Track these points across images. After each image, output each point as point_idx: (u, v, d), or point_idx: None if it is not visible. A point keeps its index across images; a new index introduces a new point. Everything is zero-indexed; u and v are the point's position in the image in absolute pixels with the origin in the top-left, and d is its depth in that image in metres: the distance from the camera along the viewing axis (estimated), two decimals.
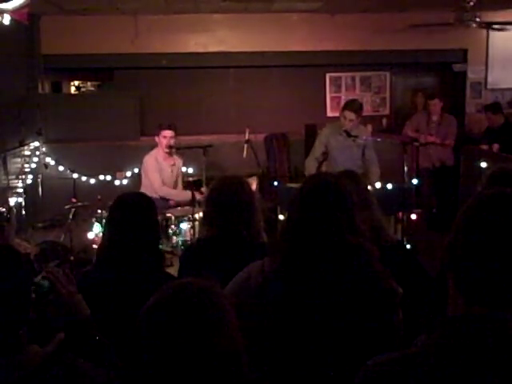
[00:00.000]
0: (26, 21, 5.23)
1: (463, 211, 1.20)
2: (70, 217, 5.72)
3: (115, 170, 7.51)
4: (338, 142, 5.47)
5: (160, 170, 5.69)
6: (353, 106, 5.41)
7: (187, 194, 5.46)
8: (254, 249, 2.55)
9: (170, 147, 5.68)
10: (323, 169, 5.59)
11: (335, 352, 1.72)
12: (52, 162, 7.49)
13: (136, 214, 2.43)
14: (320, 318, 1.72)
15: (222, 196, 2.66)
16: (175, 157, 5.86)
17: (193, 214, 4.79)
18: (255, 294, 1.85)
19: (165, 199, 5.61)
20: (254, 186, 5.65)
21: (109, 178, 7.40)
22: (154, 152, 5.77)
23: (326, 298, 1.73)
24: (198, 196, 5.09)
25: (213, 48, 8.19)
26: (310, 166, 5.55)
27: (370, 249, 1.82)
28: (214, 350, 1.23)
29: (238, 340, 1.30)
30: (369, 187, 2.81)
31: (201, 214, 4.81)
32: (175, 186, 5.88)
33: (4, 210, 5.02)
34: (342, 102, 8.99)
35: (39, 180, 7.55)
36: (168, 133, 5.68)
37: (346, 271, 1.76)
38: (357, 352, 1.65)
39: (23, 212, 6.64)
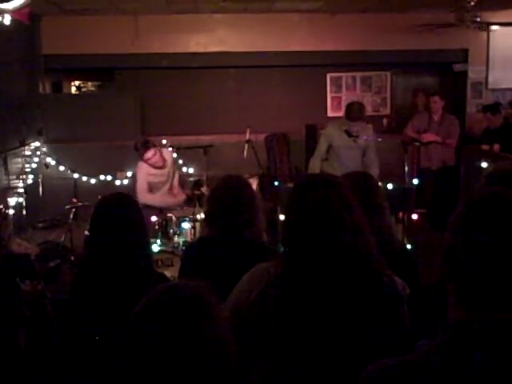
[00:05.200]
0: (27, 21, 5.24)
1: (458, 215, 1.18)
2: (71, 217, 5.72)
3: (116, 170, 7.50)
4: (342, 140, 5.46)
5: (151, 175, 5.47)
6: (354, 116, 5.31)
7: (174, 199, 5.43)
8: (254, 249, 2.54)
9: (171, 147, 5.66)
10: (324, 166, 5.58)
11: (339, 359, 1.71)
12: (53, 162, 7.49)
13: (119, 214, 2.41)
14: (324, 324, 1.71)
15: (223, 195, 2.64)
16: (164, 153, 5.57)
17: (194, 214, 4.78)
18: (259, 298, 1.84)
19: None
20: (254, 186, 5.63)
21: (109, 178, 7.40)
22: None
23: (329, 304, 1.72)
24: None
25: (213, 48, 8.19)
26: (315, 165, 5.53)
27: (370, 250, 1.80)
28: (203, 351, 1.23)
29: (229, 342, 1.30)
30: None
31: (202, 215, 4.83)
32: (171, 187, 5.68)
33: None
34: (343, 103, 9.04)
35: (40, 180, 7.54)
36: (149, 154, 5.28)
37: (347, 275, 1.74)
38: (363, 359, 1.64)
39: (24, 212, 6.64)
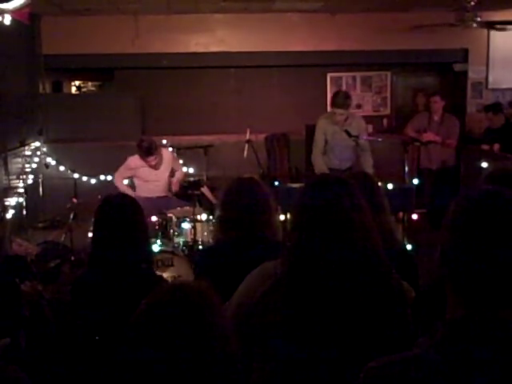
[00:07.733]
0: (27, 21, 5.24)
1: (455, 213, 1.19)
2: (71, 217, 5.73)
3: (116, 170, 7.50)
4: (334, 133, 5.58)
5: (141, 170, 5.56)
6: (338, 102, 5.44)
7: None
8: (272, 249, 2.51)
9: (171, 147, 5.68)
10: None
11: (342, 359, 1.70)
12: (53, 162, 7.48)
13: (121, 215, 2.43)
14: (328, 324, 1.71)
15: (240, 198, 2.59)
16: (163, 153, 5.64)
17: (194, 215, 4.78)
18: (263, 297, 1.84)
19: (165, 198, 5.62)
20: None
21: (109, 177, 7.39)
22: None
23: (335, 304, 1.71)
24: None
25: (213, 48, 8.19)
26: (319, 161, 5.61)
27: (377, 251, 1.79)
28: (208, 352, 1.23)
29: (232, 341, 1.30)
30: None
31: (202, 215, 4.83)
32: (163, 186, 5.69)
33: None
34: None
35: (40, 180, 7.55)
36: (151, 159, 5.41)
37: (354, 276, 1.73)
38: (367, 360, 1.64)
39: (24, 212, 6.64)
